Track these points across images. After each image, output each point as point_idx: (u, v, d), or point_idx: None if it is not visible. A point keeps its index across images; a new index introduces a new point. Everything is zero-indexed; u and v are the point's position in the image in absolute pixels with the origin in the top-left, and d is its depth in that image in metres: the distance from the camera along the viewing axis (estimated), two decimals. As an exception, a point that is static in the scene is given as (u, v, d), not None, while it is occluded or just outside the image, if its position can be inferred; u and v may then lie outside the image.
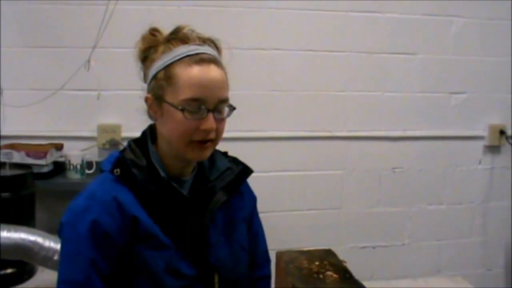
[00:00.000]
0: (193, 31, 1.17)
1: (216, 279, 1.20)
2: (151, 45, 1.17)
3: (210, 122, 1.11)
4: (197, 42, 1.14)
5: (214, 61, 1.13)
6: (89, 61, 2.27)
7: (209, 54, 1.13)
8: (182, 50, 1.12)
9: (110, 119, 2.56)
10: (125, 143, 1.31)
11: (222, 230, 1.25)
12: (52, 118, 2.54)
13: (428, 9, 2.79)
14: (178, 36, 1.15)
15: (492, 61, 2.93)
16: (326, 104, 2.77)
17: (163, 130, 1.17)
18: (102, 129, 2.55)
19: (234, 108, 1.17)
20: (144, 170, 1.14)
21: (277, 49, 2.67)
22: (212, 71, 1.11)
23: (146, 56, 1.18)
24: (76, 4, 2.45)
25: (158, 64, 1.13)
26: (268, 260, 1.50)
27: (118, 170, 1.14)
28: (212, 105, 1.11)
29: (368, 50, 2.77)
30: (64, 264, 1.11)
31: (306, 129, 2.77)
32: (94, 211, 1.09)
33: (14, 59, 2.47)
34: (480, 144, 3.01)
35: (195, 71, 1.09)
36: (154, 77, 1.14)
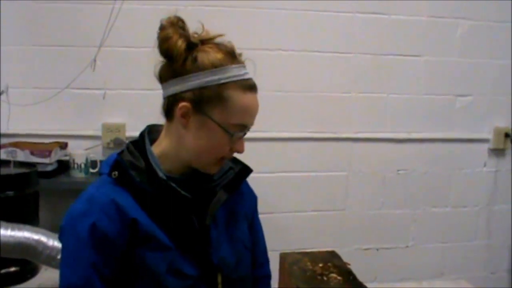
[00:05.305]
0: (233, 44, 1.16)
1: (219, 279, 1.19)
2: (191, 47, 1.12)
3: (243, 144, 1.18)
4: (243, 63, 1.15)
5: (256, 88, 1.17)
6: (95, 60, 2.28)
7: (253, 80, 1.16)
8: (235, 71, 1.12)
9: (114, 118, 2.56)
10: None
11: (224, 229, 1.24)
12: (57, 116, 2.54)
13: (434, 11, 2.78)
14: (227, 49, 1.13)
15: (498, 63, 2.92)
16: (331, 106, 2.76)
17: (191, 140, 1.14)
18: (107, 128, 2.55)
19: None
20: (143, 171, 1.13)
21: (282, 50, 2.66)
22: (257, 100, 1.16)
23: (184, 56, 1.11)
24: (82, 3, 2.45)
25: (209, 79, 1.10)
26: (268, 260, 1.50)
27: (116, 172, 1.13)
28: (249, 129, 1.18)
29: (374, 51, 2.76)
30: (65, 268, 1.11)
31: (311, 130, 2.76)
32: (93, 214, 1.08)
33: (20, 58, 2.48)
34: (485, 146, 3.00)
35: (249, 100, 1.13)
36: (201, 88, 1.10)
